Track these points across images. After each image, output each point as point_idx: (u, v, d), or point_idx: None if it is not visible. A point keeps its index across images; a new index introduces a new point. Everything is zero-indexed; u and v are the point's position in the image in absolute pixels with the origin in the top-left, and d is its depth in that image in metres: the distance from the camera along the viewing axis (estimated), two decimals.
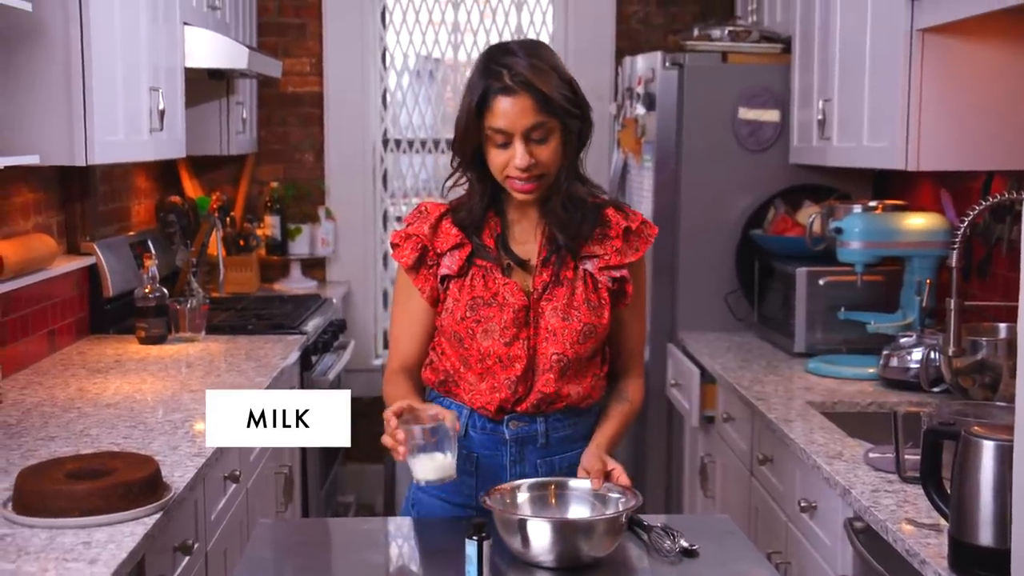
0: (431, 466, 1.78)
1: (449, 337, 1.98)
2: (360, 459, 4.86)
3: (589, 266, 1.98)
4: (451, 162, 2.00)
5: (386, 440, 1.79)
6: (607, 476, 1.86)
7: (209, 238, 4.28)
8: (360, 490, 4.84)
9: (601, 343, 2.01)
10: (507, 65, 1.86)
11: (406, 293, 2.02)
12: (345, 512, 4.45)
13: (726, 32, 3.83)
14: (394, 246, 2.01)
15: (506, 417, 1.96)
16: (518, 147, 1.87)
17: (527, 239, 2.00)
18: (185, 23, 3.49)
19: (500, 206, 1.99)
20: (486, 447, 1.98)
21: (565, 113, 1.88)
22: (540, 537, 1.67)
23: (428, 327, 2.01)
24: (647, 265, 4.03)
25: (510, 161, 1.88)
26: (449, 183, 2.01)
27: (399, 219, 5.00)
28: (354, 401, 4.54)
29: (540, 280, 1.97)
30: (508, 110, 1.85)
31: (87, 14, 2.67)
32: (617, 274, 1.99)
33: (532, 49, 1.90)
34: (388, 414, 1.79)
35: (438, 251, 1.98)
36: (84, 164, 2.71)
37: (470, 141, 1.91)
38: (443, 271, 1.98)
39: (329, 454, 4.14)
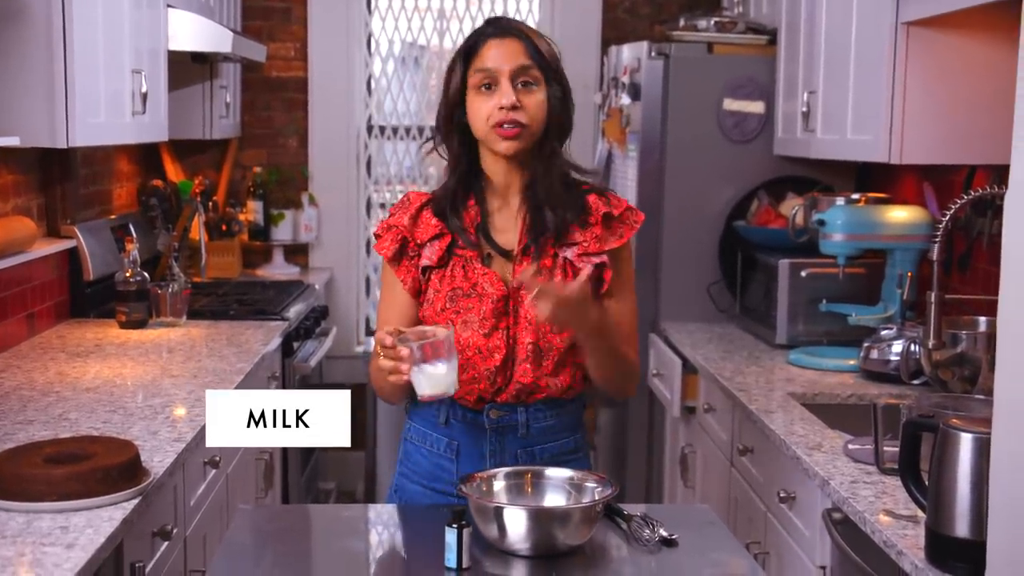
0: (434, 380, 1.78)
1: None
2: (341, 446, 4.85)
3: (568, 254, 1.97)
4: (439, 144, 1.99)
5: (384, 363, 1.77)
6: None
7: (191, 223, 4.26)
8: (341, 477, 4.84)
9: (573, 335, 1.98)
10: (492, 22, 1.95)
11: (389, 284, 2.01)
12: (326, 498, 4.45)
13: (712, 23, 3.83)
14: (376, 237, 2.01)
15: (486, 407, 1.96)
16: (504, 85, 1.88)
17: (507, 227, 1.99)
18: (169, 5, 3.47)
19: (480, 194, 1.98)
20: (467, 436, 1.98)
21: (551, 69, 1.92)
22: (516, 525, 1.67)
23: (411, 317, 2.00)
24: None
25: (495, 108, 1.88)
26: (426, 149, 2.01)
27: (383, 206, 4.99)
28: (335, 388, 4.58)
29: (520, 269, 1.96)
30: (497, 51, 1.89)
31: None
32: (596, 260, 1.97)
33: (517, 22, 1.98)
34: (382, 335, 1.78)
35: (418, 241, 1.97)
36: (65, 146, 2.69)
37: (462, 91, 1.91)
38: (423, 262, 1.97)
39: None
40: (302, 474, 3.91)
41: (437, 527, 1.68)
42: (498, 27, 1.93)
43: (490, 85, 1.89)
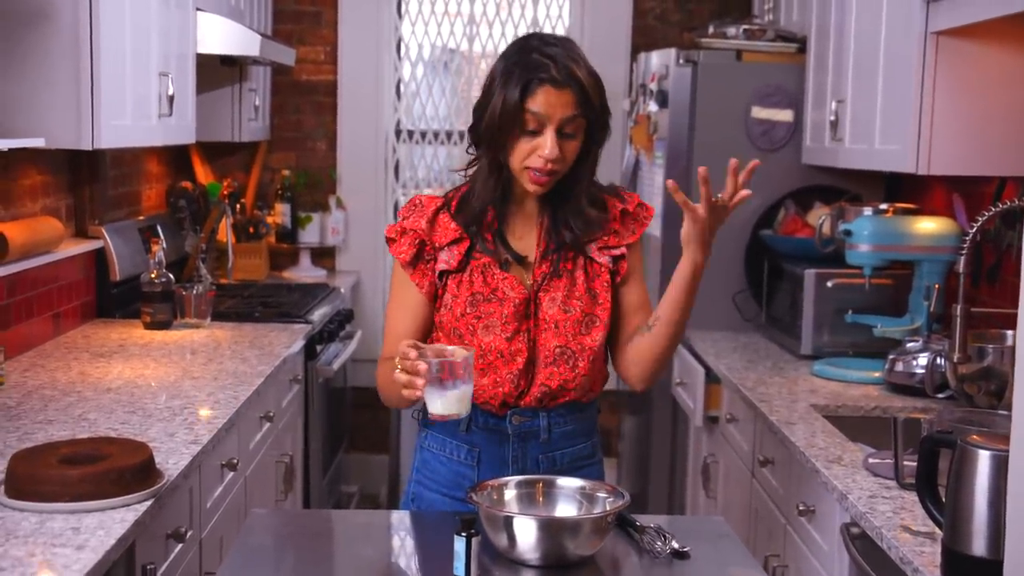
0: (448, 400, 1.76)
1: (448, 333, 1.96)
2: (365, 449, 4.86)
3: (587, 250, 1.98)
4: (469, 148, 1.99)
5: (400, 376, 1.75)
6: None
7: (219, 224, 4.29)
8: (364, 480, 4.84)
9: (606, 332, 1.99)
10: (552, 56, 1.87)
11: (402, 286, 2.00)
12: (348, 502, 4.45)
13: (741, 30, 3.80)
14: (390, 241, 2.00)
15: (509, 412, 1.95)
16: (550, 136, 1.87)
17: (524, 234, 1.99)
18: (198, 9, 3.49)
19: (497, 202, 1.97)
20: (488, 442, 1.97)
21: (598, 114, 1.91)
22: (525, 535, 1.65)
23: (424, 320, 2.00)
24: (654, 259, 4.02)
25: (535, 151, 1.88)
26: (466, 170, 2.00)
27: None
28: (359, 392, 4.61)
29: (540, 272, 1.96)
30: (551, 100, 1.86)
31: None
32: (616, 252, 2.00)
33: (570, 46, 1.92)
34: (404, 347, 1.76)
35: (436, 245, 1.97)
36: (90, 148, 2.71)
37: (506, 125, 1.88)
38: (441, 266, 1.96)
39: (333, 443, 4.14)
40: (324, 477, 3.92)
41: (448, 535, 1.67)
42: (558, 75, 1.86)
43: (535, 131, 1.88)
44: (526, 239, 1.99)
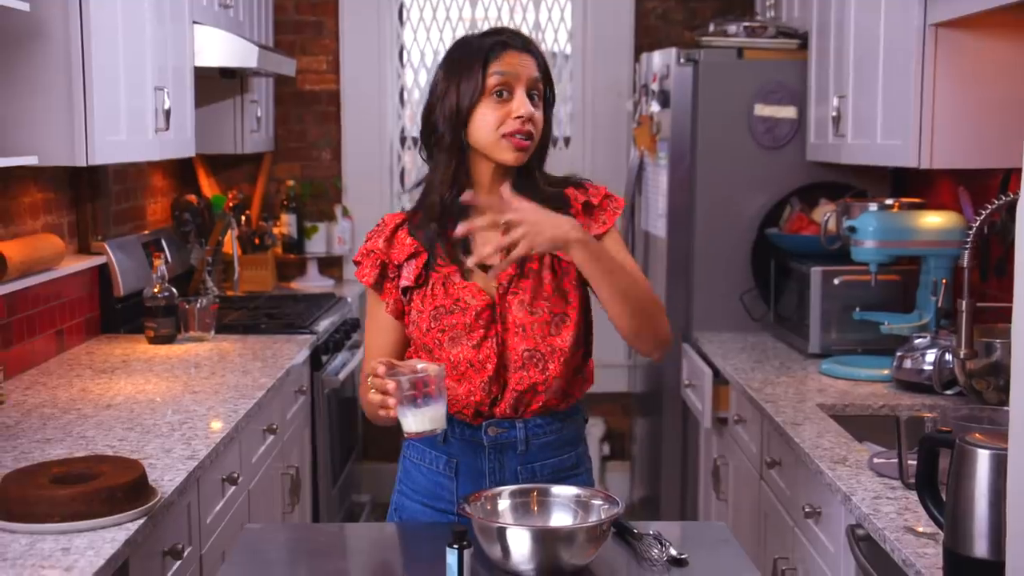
0: (421, 418, 1.74)
1: (419, 348, 1.95)
2: (377, 457, 4.85)
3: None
4: (421, 151, 1.95)
5: (374, 397, 1.74)
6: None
7: (224, 236, 4.28)
8: (376, 490, 4.81)
9: (577, 331, 1.92)
10: (498, 31, 1.92)
11: (374, 309, 2.00)
12: (359, 512, 4.43)
13: (742, 28, 3.77)
14: (356, 264, 1.98)
15: (484, 423, 1.93)
16: (521, 94, 1.86)
17: (488, 239, 1.89)
18: (195, 22, 3.47)
19: (459, 215, 1.90)
20: (465, 454, 1.95)
21: (550, 87, 1.92)
22: (520, 545, 1.63)
23: (399, 337, 1.98)
24: (659, 259, 3.99)
25: (508, 116, 1.85)
26: (418, 184, 1.97)
27: None
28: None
29: (506, 274, 1.91)
30: (515, 60, 1.87)
31: (88, 14, 2.65)
32: None
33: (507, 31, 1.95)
34: (374, 365, 1.75)
35: (395, 263, 1.94)
36: (84, 164, 2.70)
37: (472, 99, 1.85)
38: (403, 283, 1.94)
39: (343, 453, 4.12)
40: (334, 487, 3.90)
41: (438, 547, 1.64)
42: (516, 41, 1.89)
43: (502, 92, 1.86)
44: (489, 245, 1.88)
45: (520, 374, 1.90)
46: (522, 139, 1.87)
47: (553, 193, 1.95)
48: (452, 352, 1.90)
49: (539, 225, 1.76)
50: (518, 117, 1.85)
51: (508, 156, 1.88)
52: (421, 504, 1.98)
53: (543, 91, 1.91)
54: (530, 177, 1.94)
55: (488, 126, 1.87)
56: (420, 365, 1.77)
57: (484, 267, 1.92)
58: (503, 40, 1.89)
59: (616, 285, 1.83)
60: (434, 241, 1.93)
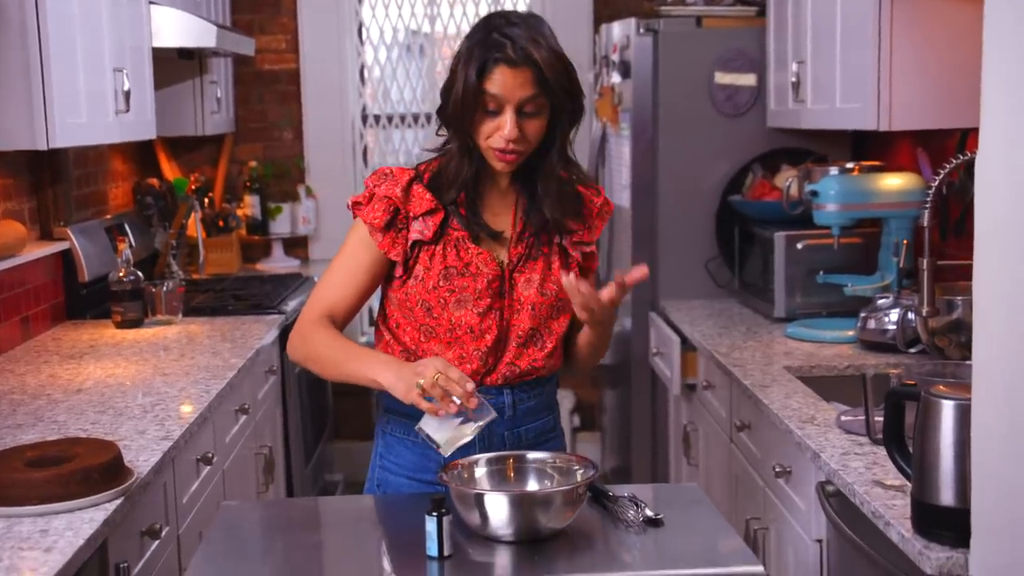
0: (444, 428, 1.79)
1: (413, 306, 1.94)
2: (348, 436, 4.85)
3: (564, 241, 2.00)
4: (440, 130, 1.97)
5: (436, 391, 1.75)
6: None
7: (187, 220, 4.26)
8: (348, 468, 4.82)
9: (573, 317, 2.00)
10: (510, 36, 1.85)
11: (360, 248, 1.95)
12: (333, 490, 4.44)
13: None
14: (357, 205, 1.96)
15: None
16: (509, 117, 1.86)
17: (499, 211, 1.98)
18: (152, 2, 3.45)
19: (470, 181, 1.95)
20: None
21: (560, 94, 1.88)
22: (497, 511, 1.65)
23: (365, 291, 1.98)
24: (624, 229, 4.01)
25: (497, 131, 1.87)
26: (438, 150, 1.98)
27: None
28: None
29: (516, 252, 1.96)
30: (507, 80, 1.84)
31: None
32: (587, 249, 2.04)
33: (534, 25, 1.89)
34: (472, 388, 1.75)
35: (411, 215, 1.94)
36: (46, 148, 2.68)
37: (468, 107, 1.87)
38: (415, 236, 1.94)
39: (315, 433, 4.13)
40: (306, 466, 3.91)
41: (419, 516, 1.66)
42: (515, 55, 1.84)
43: (494, 110, 1.87)
44: (502, 216, 1.98)
45: (520, 350, 1.96)
46: (505, 154, 1.89)
47: (570, 193, 1.98)
48: (455, 314, 1.92)
49: (605, 315, 1.92)
50: (502, 137, 1.87)
51: (495, 164, 1.92)
52: (407, 478, 2.00)
53: (547, 100, 1.88)
54: (549, 167, 1.95)
55: (481, 136, 1.90)
56: (478, 395, 1.78)
57: (497, 236, 1.95)
58: (500, 56, 1.84)
59: (603, 339, 2.04)
60: (452, 205, 1.95)
